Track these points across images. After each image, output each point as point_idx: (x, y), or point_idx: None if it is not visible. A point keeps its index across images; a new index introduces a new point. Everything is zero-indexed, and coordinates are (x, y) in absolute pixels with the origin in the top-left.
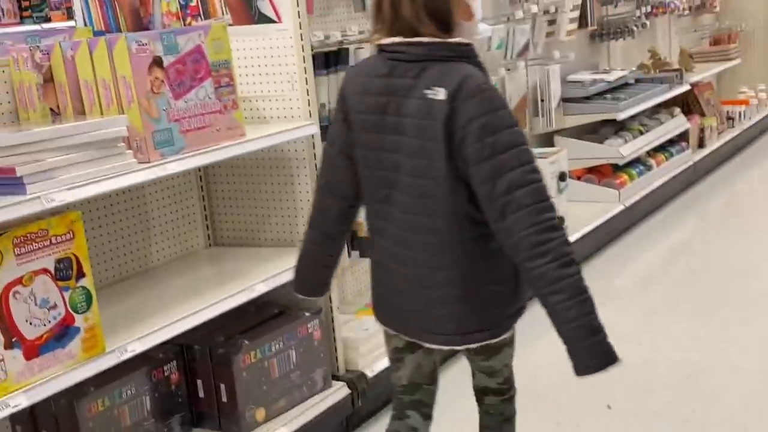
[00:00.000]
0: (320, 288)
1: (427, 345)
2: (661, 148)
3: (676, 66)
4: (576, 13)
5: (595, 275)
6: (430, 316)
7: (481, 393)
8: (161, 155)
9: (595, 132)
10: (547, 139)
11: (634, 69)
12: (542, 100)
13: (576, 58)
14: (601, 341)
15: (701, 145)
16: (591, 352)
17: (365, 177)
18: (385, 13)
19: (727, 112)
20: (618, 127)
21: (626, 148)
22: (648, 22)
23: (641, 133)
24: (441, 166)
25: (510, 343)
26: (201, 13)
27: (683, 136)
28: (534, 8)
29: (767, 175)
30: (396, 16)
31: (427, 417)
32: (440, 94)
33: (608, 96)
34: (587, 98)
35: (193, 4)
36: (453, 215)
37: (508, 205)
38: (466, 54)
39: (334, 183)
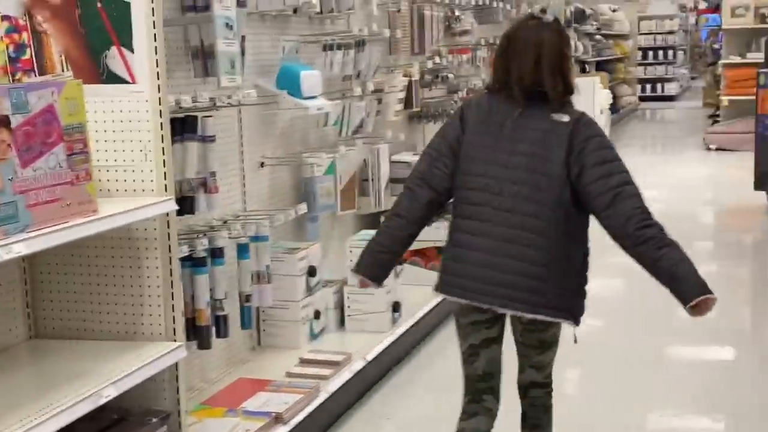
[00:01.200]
0: (384, 275)
1: (514, 312)
2: None
3: None
4: (403, 94)
5: (427, 362)
6: (525, 288)
7: (527, 387)
8: (4, 233)
9: None
10: (373, 220)
11: None
12: (372, 180)
13: (397, 139)
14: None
15: None
16: (700, 280)
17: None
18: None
19: None
20: (440, 210)
21: None
22: None
23: None
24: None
25: (559, 339)
26: (35, 68)
27: None
28: (371, 86)
29: None
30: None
31: (498, 398)
32: (565, 118)
33: None
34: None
35: (26, 57)
36: (559, 206)
37: (619, 195)
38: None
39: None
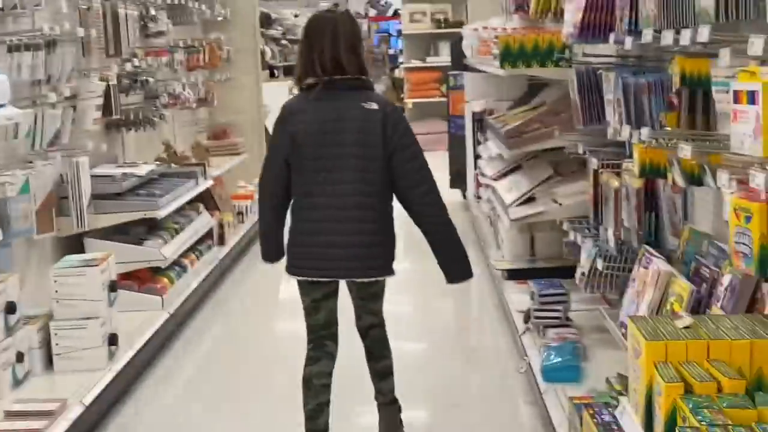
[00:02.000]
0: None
1: (356, 280)
2: (191, 248)
3: (193, 160)
4: (101, 100)
5: (151, 395)
6: (361, 257)
7: (368, 329)
8: None
9: (125, 232)
10: (75, 243)
11: (158, 163)
12: (72, 198)
13: (97, 150)
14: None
15: (222, 242)
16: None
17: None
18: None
19: (236, 206)
20: (148, 227)
21: (167, 249)
22: (166, 114)
23: (177, 232)
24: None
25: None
26: None
27: (209, 234)
28: (66, 91)
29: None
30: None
31: (336, 343)
32: (374, 106)
33: (142, 192)
34: (119, 194)
35: None
36: (382, 185)
37: (424, 177)
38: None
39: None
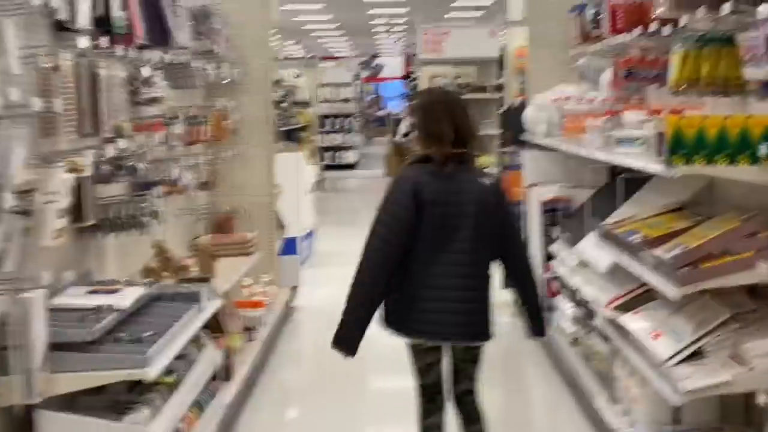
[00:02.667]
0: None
1: (472, 344)
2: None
3: (193, 268)
4: (68, 200)
5: None
6: (475, 321)
7: (463, 394)
8: None
9: (99, 391)
10: (18, 422)
11: (147, 282)
12: (16, 349)
13: (60, 266)
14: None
15: (228, 376)
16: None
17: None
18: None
19: (243, 318)
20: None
21: (158, 426)
22: (162, 209)
23: (173, 388)
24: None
25: None
26: None
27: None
28: (8, 198)
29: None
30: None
31: (444, 398)
32: (487, 180)
33: (123, 336)
34: (92, 343)
35: None
36: (490, 252)
37: (523, 240)
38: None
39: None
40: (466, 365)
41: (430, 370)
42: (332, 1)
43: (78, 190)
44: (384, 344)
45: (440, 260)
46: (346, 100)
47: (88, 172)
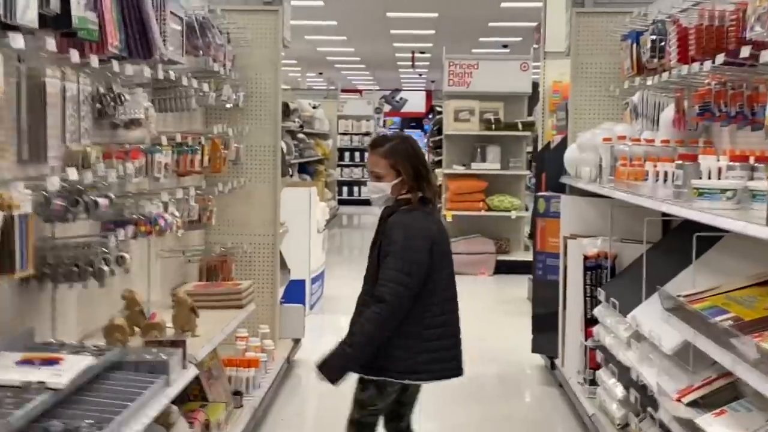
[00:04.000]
0: None
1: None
2: None
3: (169, 327)
4: None
5: None
6: (461, 355)
7: (408, 428)
8: None
9: None
10: None
11: (100, 347)
12: None
13: None
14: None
15: None
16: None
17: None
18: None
19: (230, 378)
20: None
21: None
22: (127, 255)
23: None
24: None
25: None
26: None
27: None
28: None
29: None
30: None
31: None
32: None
33: (53, 426)
34: None
35: None
36: None
37: None
38: None
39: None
40: (414, 399)
41: (383, 409)
42: (356, 34)
43: (6, 233)
44: None
45: (440, 300)
46: (366, 134)
47: (25, 209)
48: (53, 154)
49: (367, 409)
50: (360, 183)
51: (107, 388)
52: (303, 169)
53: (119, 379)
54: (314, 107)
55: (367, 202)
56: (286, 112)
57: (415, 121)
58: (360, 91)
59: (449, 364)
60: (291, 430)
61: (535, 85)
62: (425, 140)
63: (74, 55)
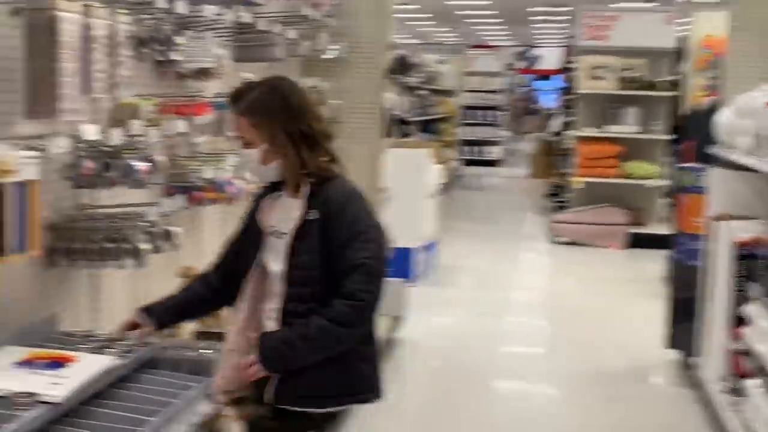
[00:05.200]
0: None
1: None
2: None
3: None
4: None
5: None
6: None
7: None
8: None
9: None
10: None
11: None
12: None
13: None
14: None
15: None
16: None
17: None
18: None
19: None
20: None
21: None
22: (176, 229)
23: None
24: None
25: None
26: None
27: None
28: None
29: None
30: None
31: None
32: None
33: None
34: None
35: None
36: None
37: None
38: None
39: None
40: None
41: None
42: None
43: None
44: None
45: None
46: (494, 91)
47: (24, 175)
48: (69, 107)
49: None
50: (486, 143)
51: (130, 395)
52: (424, 127)
53: (149, 383)
54: (440, 62)
55: (494, 163)
56: (406, 66)
57: (547, 78)
58: (491, 47)
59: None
60: (387, 423)
61: (680, 41)
62: (557, 99)
63: None
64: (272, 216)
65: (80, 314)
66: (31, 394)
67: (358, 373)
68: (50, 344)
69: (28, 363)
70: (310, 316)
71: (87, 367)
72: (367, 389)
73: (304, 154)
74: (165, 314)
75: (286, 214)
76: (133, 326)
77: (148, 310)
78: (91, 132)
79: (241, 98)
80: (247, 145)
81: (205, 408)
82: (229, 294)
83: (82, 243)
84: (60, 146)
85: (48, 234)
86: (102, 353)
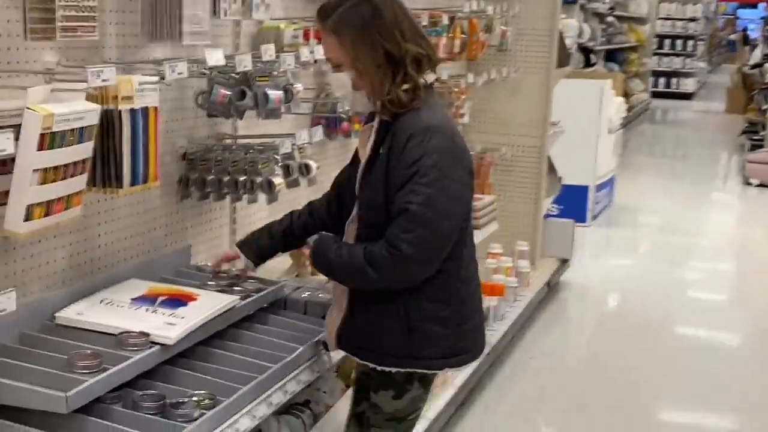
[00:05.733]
0: None
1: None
2: None
3: None
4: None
5: None
6: None
7: None
8: None
9: None
10: None
11: (270, 279)
12: None
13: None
14: None
15: None
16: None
17: None
18: None
19: None
20: None
21: None
22: (313, 163)
23: None
24: None
25: None
26: None
27: None
28: None
29: None
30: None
31: None
32: None
33: (143, 399)
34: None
35: None
36: None
37: None
38: None
39: None
40: None
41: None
42: None
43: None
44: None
45: (471, 255)
46: (692, 20)
47: (143, 102)
48: (193, 30)
49: (414, 414)
50: (680, 74)
51: (254, 337)
52: (611, 57)
53: (276, 325)
54: None
55: (687, 97)
56: None
57: (754, 6)
58: None
59: (484, 338)
60: (539, 375)
61: None
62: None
63: None
64: (361, 148)
65: (215, 247)
66: (143, 334)
67: (427, 336)
68: (179, 279)
69: (147, 299)
70: (358, 244)
71: (206, 307)
72: (438, 354)
73: (386, 80)
74: (266, 248)
75: (366, 148)
76: (231, 260)
77: (247, 243)
78: (216, 57)
79: (328, 15)
80: (337, 67)
81: (335, 356)
82: (337, 226)
83: (215, 174)
84: (179, 71)
85: (181, 164)
86: (229, 292)
